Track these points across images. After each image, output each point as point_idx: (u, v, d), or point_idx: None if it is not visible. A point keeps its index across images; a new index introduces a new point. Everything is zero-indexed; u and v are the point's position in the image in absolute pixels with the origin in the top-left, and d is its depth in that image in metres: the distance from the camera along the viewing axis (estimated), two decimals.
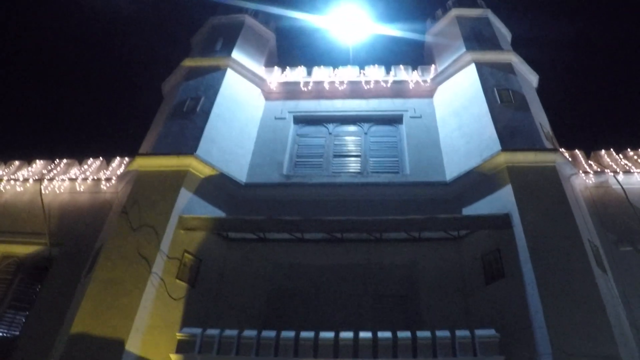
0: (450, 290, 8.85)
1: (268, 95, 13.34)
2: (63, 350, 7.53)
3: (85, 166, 11.98)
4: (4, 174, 11.91)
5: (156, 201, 9.40)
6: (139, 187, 9.78)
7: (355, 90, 13.18)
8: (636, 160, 11.06)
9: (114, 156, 12.17)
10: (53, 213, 10.69)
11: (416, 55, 17.12)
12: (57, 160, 12.23)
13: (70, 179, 11.35)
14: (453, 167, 10.66)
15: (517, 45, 14.51)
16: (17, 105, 32.51)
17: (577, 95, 31.80)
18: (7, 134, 28.57)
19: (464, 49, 12.97)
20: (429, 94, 13.02)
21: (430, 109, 12.57)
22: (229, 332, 7.67)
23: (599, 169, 10.73)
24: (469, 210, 9.69)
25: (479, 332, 7.37)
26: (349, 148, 12.00)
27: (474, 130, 10.88)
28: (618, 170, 10.65)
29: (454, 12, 14.80)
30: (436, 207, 9.84)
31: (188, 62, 13.30)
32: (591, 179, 10.44)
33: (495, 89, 11.48)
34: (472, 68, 12.33)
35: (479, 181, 9.89)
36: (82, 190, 11.22)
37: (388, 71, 13.65)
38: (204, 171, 10.18)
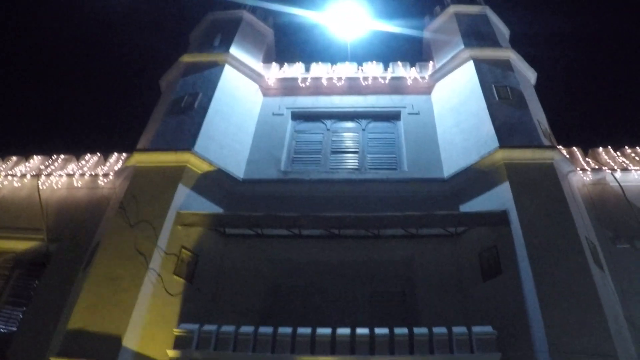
0: (447, 287, 8.85)
1: (266, 91, 13.31)
2: (60, 346, 7.51)
3: (83, 162, 11.93)
4: (2, 169, 11.86)
5: (154, 197, 9.38)
6: (137, 183, 9.75)
7: (353, 87, 13.16)
8: (634, 158, 11.08)
9: (112, 152, 12.13)
10: (50, 209, 10.65)
11: (414, 51, 17.08)
12: (55, 155, 12.17)
13: (68, 175, 11.31)
14: (451, 163, 10.66)
15: (515, 43, 14.51)
16: (14, 101, 32.43)
17: (575, 93, 31.82)
18: (4, 129, 28.52)
19: (462, 46, 12.96)
20: (427, 90, 13.01)
21: (428, 105, 12.55)
22: (226, 328, 7.66)
23: (596, 167, 10.73)
24: (466, 207, 9.71)
25: (476, 329, 7.38)
26: (346, 144, 11.99)
27: (472, 127, 10.87)
28: (616, 167, 10.64)
29: (452, 8, 14.78)
30: (434, 203, 9.84)
31: (186, 58, 13.26)
32: (589, 176, 10.45)
33: (493, 86, 11.47)
34: (470, 65, 12.32)
35: (476, 178, 9.89)
36: (79, 186, 11.18)
37: (386, 68, 13.62)
38: (202, 167, 10.17)
